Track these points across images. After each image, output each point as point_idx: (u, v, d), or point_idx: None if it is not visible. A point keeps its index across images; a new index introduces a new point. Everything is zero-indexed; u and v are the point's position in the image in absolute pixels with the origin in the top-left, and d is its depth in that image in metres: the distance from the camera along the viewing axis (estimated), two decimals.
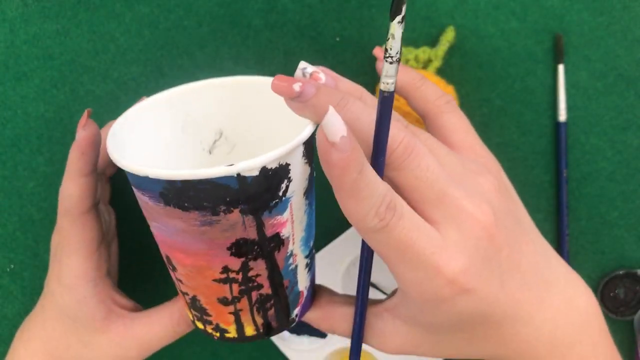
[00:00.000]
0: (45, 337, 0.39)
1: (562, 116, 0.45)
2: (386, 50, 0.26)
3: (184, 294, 0.34)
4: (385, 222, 0.28)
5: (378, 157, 0.28)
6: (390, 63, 0.27)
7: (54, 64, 0.44)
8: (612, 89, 0.45)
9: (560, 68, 0.44)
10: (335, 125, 0.26)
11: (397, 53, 0.26)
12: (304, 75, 0.32)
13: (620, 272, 0.47)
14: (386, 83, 0.27)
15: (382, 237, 0.28)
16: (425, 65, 0.43)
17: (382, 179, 0.29)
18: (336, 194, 0.28)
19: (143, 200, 0.31)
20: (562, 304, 0.32)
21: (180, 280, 0.34)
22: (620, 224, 0.47)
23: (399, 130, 0.29)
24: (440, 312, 0.30)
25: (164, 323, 0.38)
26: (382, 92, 0.27)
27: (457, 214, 0.29)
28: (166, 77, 0.44)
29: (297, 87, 0.29)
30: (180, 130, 0.37)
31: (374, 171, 0.28)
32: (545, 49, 0.44)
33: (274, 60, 0.44)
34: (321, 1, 0.43)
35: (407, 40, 0.44)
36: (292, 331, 0.48)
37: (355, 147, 0.26)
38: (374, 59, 0.44)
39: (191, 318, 0.36)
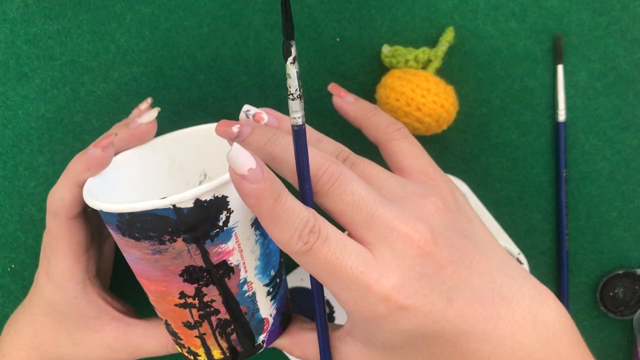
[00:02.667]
0: (32, 332, 0.39)
1: (562, 116, 0.45)
2: (287, 89, 0.29)
3: (160, 319, 0.37)
4: (309, 246, 0.29)
5: (303, 185, 0.30)
6: (293, 99, 0.29)
7: (55, 64, 0.44)
8: (611, 89, 0.45)
9: (560, 68, 0.44)
10: (239, 159, 0.28)
11: (296, 90, 0.29)
12: (247, 117, 0.35)
13: (620, 272, 0.47)
14: (294, 118, 0.29)
15: (309, 259, 0.30)
16: (425, 65, 0.43)
17: (313, 205, 0.31)
18: (260, 221, 0.30)
19: (111, 232, 0.34)
20: (525, 321, 0.31)
21: (154, 306, 0.36)
22: (620, 224, 0.47)
23: (324, 160, 0.31)
24: (384, 331, 0.31)
25: (159, 338, 0.39)
26: (292, 126, 0.29)
27: (388, 234, 0.30)
28: (166, 77, 0.44)
29: (235, 129, 0.33)
30: (167, 173, 0.40)
31: (294, 198, 0.30)
32: (545, 49, 0.44)
33: (274, 61, 0.44)
34: (321, 1, 0.44)
35: (407, 41, 0.44)
36: None
37: (268, 178, 0.28)
38: (374, 60, 0.45)
39: (173, 342, 0.39)
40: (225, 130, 0.33)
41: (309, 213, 0.30)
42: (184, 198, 0.30)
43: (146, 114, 0.38)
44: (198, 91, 0.45)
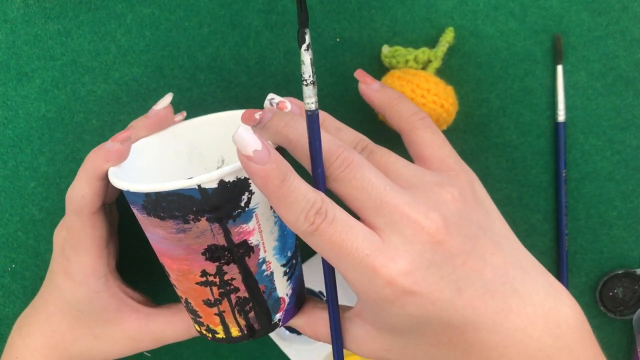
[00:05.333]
0: (49, 332, 0.40)
1: (561, 116, 0.45)
2: (301, 75, 0.30)
3: (180, 298, 0.38)
4: (315, 226, 0.30)
5: (316, 168, 0.31)
6: (306, 85, 0.30)
7: (55, 65, 0.44)
8: (610, 89, 0.45)
9: (559, 68, 0.44)
10: (245, 140, 0.29)
11: (309, 76, 0.30)
12: (271, 105, 0.36)
13: (619, 272, 0.47)
14: (308, 103, 0.30)
15: (316, 240, 0.30)
16: (425, 66, 0.43)
17: (325, 189, 0.32)
18: (269, 201, 0.31)
19: (135, 212, 0.34)
20: (536, 315, 0.31)
21: (175, 285, 0.37)
22: (619, 224, 0.47)
23: (337, 146, 0.32)
24: (391, 314, 0.31)
25: (181, 324, 0.40)
26: (306, 112, 0.30)
27: (398, 220, 0.31)
28: (167, 77, 0.44)
29: (257, 115, 0.34)
30: (186, 159, 0.41)
31: (302, 180, 0.30)
32: (544, 49, 0.45)
33: (274, 61, 0.45)
34: (321, 2, 0.44)
35: (406, 41, 0.44)
36: (292, 330, 0.48)
37: (275, 160, 0.29)
38: (374, 59, 0.45)
39: (191, 321, 0.39)
40: (249, 117, 0.34)
41: (317, 195, 0.30)
42: (210, 178, 0.31)
43: (161, 100, 0.39)
44: (198, 91, 0.45)
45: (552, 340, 0.31)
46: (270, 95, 0.36)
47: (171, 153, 0.40)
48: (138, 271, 0.47)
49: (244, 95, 0.45)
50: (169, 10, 0.44)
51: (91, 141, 0.45)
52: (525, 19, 0.44)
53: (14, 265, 0.47)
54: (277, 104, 0.36)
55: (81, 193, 0.36)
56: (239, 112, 0.40)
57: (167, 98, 0.40)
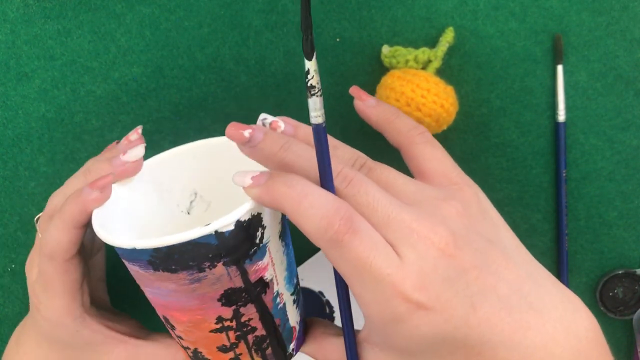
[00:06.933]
0: (43, 356, 0.39)
1: (561, 116, 0.45)
2: (311, 86, 0.28)
3: (186, 348, 0.36)
4: (341, 236, 0.28)
5: (325, 182, 0.30)
6: (318, 97, 0.28)
7: (55, 65, 0.44)
8: (611, 89, 0.45)
9: (560, 68, 0.44)
10: (239, 176, 0.31)
11: (319, 86, 0.28)
12: (263, 125, 0.35)
13: (619, 272, 0.47)
14: (315, 116, 0.29)
15: (341, 253, 0.29)
16: (425, 66, 0.43)
17: None
18: (288, 216, 0.30)
19: (134, 269, 0.32)
20: (556, 332, 0.30)
21: (181, 337, 0.35)
22: (619, 224, 0.47)
23: (337, 163, 0.31)
24: (403, 335, 0.30)
25: (169, 357, 0.39)
26: (313, 125, 0.29)
27: (408, 235, 0.29)
28: (166, 77, 0.44)
29: (246, 133, 0.32)
30: (156, 199, 0.38)
31: (315, 186, 0.30)
32: (545, 49, 0.45)
33: (274, 61, 0.45)
34: (321, 2, 0.44)
35: (407, 41, 0.44)
36: None
37: (276, 174, 0.30)
38: (374, 60, 0.45)
39: (181, 354, 0.38)
40: (235, 133, 0.32)
41: (340, 202, 0.29)
42: (227, 221, 0.30)
43: (131, 151, 0.36)
44: (198, 91, 0.45)
45: (573, 356, 0.30)
46: (263, 116, 0.35)
47: (139, 196, 0.37)
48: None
49: (244, 95, 0.45)
50: (169, 10, 0.44)
51: (90, 141, 0.45)
52: (526, 19, 0.44)
53: (13, 265, 0.47)
54: (270, 124, 0.35)
55: (57, 240, 0.34)
56: (206, 142, 0.38)
57: (140, 150, 0.36)
